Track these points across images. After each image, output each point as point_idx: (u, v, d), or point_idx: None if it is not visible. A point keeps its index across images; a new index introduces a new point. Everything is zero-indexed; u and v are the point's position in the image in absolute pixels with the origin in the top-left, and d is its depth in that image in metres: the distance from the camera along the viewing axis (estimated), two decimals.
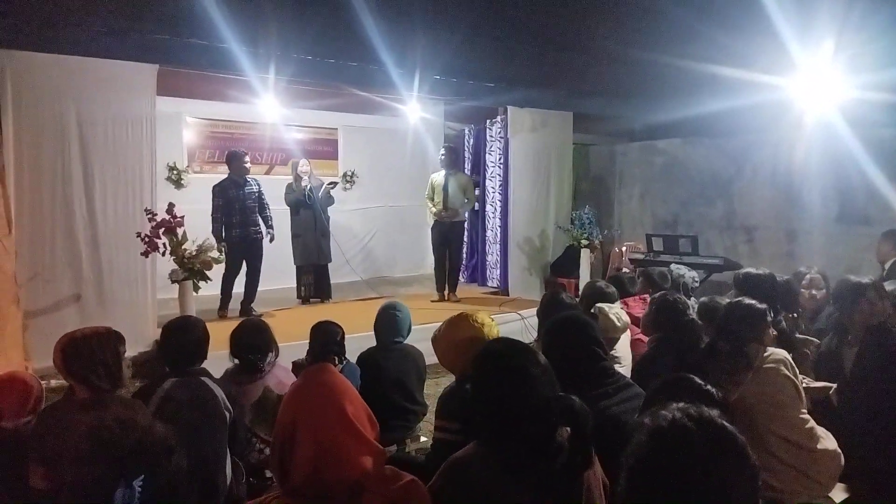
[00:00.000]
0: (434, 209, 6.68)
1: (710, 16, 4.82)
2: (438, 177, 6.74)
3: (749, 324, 2.51)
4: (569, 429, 1.50)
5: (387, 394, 3.20)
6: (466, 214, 7.24)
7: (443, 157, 6.74)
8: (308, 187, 6.50)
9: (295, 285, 6.74)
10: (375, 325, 3.43)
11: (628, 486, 1.06)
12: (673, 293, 3.14)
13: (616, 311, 3.25)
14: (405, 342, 3.41)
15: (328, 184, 6.71)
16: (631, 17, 5.40)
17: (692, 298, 4.20)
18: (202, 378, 2.50)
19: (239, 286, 5.93)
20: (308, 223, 6.57)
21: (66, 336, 2.23)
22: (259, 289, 6.05)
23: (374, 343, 3.43)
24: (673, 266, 4.62)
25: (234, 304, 5.89)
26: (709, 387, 1.70)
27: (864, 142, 5.74)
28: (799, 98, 5.56)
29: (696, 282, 4.46)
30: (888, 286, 3.48)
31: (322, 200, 6.60)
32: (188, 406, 2.33)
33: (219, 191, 5.77)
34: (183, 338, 2.61)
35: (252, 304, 5.97)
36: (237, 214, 5.77)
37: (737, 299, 2.79)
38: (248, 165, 5.96)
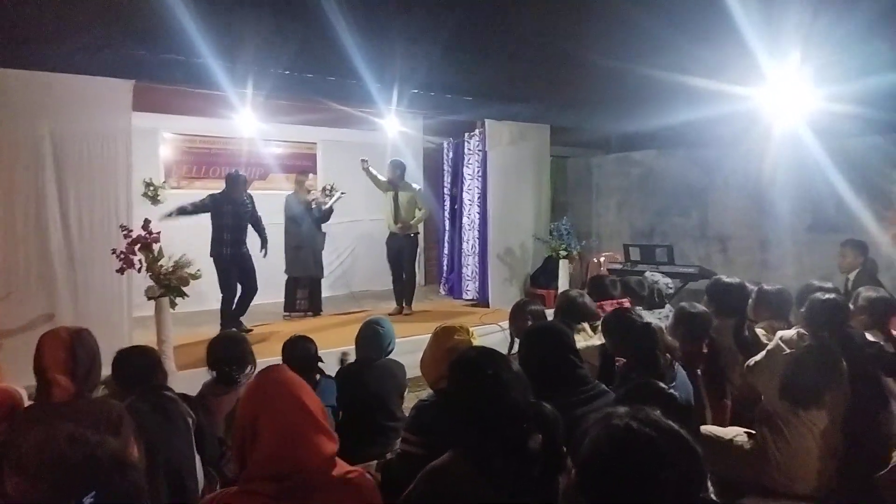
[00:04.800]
0: (388, 224, 6.82)
1: (683, 27, 4.93)
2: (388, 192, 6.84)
3: None
4: (541, 435, 1.53)
5: (367, 410, 3.20)
6: (447, 225, 7.25)
7: (393, 171, 6.81)
8: (314, 200, 6.66)
9: (283, 300, 6.75)
10: (357, 340, 3.42)
11: (579, 483, 1.13)
12: (623, 309, 3.19)
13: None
14: (388, 357, 3.43)
15: (341, 193, 6.99)
16: (606, 28, 5.51)
17: (667, 304, 4.29)
18: (163, 391, 2.55)
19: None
20: (310, 236, 6.64)
21: (62, 329, 2.23)
22: (256, 302, 6.02)
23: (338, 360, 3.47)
24: (647, 273, 4.69)
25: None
26: (672, 391, 1.76)
27: (832, 152, 5.90)
28: (768, 109, 5.70)
29: (671, 288, 4.55)
30: (865, 293, 3.57)
31: (321, 215, 6.73)
32: (150, 413, 2.37)
33: (210, 200, 5.76)
34: (132, 364, 2.62)
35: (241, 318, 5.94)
36: (228, 232, 5.74)
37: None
38: (243, 186, 5.93)
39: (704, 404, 3.16)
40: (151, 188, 7.01)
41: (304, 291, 6.78)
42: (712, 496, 1.45)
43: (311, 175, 6.89)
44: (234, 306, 5.84)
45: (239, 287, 5.85)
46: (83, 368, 2.17)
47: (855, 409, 2.74)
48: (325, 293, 7.39)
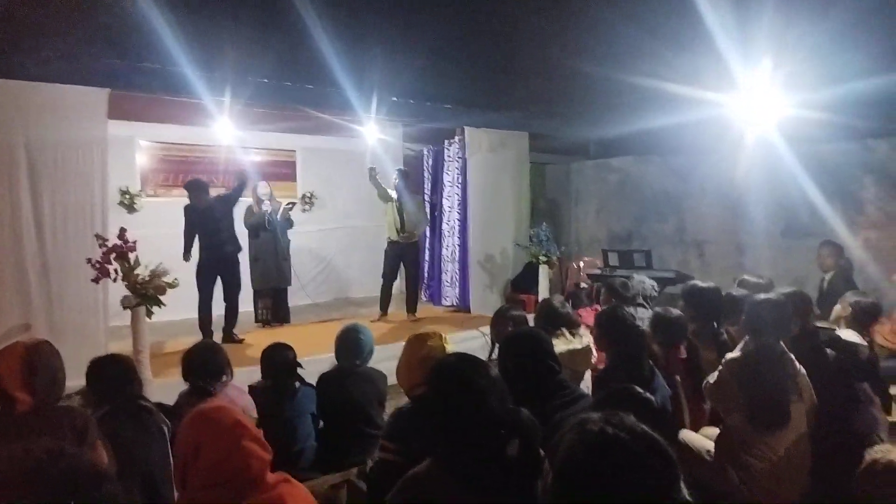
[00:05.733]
0: (391, 232, 6.72)
1: (659, 34, 5.00)
2: (394, 194, 6.79)
3: None
4: (519, 441, 1.54)
5: (348, 417, 3.19)
6: (427, 232, 7.26)
7: (395, 180, 6.80)
8: (269, 210, 6.47)
9: (252, 308, 6.66)
10: (336, 347, 3.42)
11: (555, 489, 1.15)
12: (620, 307, 3.23)
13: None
14: (367, 365, 3.42)
15: (286, 205, 6.70)
16: (585, 36, 5.56)
17: (650, 306, 4.34)
18: (138, 400, 2.55)
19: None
20: (268, 246, 6.54)
21: (19, 345, 2.20)
22: (219, 313, 5.94)
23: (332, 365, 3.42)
24: (634, 275, 4.76)
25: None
26: (648, 395, 1.79)
27: (805, 158, 6.02)
28: (741, 115, 5.79)
29: (656, 290, 4.60)
30: (852, 297, 3.65)
31: (282, 224, 6.58)
32: (126, 422, 2.38)
33: (186, 217, 5.74)
34: (107, 373, 2.60)
35: (234, 329, 5.90)
36: (207, 236, 5.70)
37: None
38: (204, 193, 5.79)
39: (683, 408, 3.20)
40: (127, 196, 6.93)
41: (266, 301, 6.67)
42: (686, 497, 1.48)
43: (263, 183, 6.66)
44: (209, 314, 5.78)
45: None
46: (42, 382, 2.15)
47: (824, 413, 2.79)
48: (304, 301, 7.35)
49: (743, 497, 2.61)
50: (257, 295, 6.65)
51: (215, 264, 5.74)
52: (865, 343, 3.42)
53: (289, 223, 6.69)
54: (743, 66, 5.04)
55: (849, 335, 3.40)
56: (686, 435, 3.01)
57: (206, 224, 5.73)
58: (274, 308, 6.69)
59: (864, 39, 4.66)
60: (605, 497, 1.07)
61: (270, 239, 6.54)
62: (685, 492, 1.38)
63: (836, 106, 5.26)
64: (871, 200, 5.94)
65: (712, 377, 2.81)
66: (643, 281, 4.54)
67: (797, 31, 4.57)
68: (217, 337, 5.63)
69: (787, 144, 5.94)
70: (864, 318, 3.56)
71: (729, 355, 2.80)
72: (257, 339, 5.71)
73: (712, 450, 2.84)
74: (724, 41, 4.68)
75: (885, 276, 5.18)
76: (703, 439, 2.96)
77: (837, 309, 3.74)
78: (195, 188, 5.74)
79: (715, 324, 3.57)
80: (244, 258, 6.22)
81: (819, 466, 2.70)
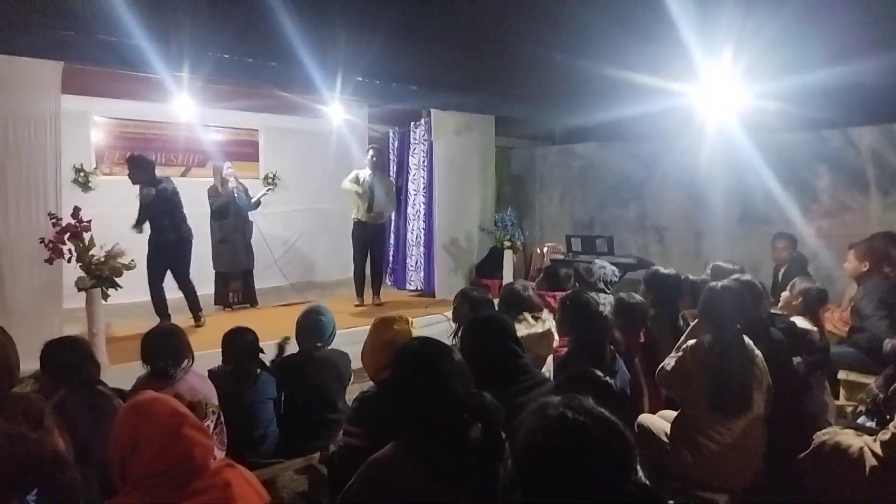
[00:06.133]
0: (359, 212, 6.65)
1: (624, 23, 5.03)
2: (365, 174, 6.69)
3: None
4: (481, 424, 1.56)
5: (308, 401, 3.18)
6: (393, 216, 7.22)
7: (373, 158, 6.70)
8: (235, 189, 6.36)
9: (213, 292, 6.56)
10: (297, 329, 3.39)
11: (516, 473, 1.18)
12: (584, 291, 3.28)
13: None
14: (329, 347, 3.40)
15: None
16: (550, 22, 5.57)
17: (610, 291, 4.42)
18: (96, 387, 2.51)
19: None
20: (237, 227, 6.47)
21: None
22: (178, 295, 5.77)
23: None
24: (596, 261, 4.83)
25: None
26: (608, 379, 1.82)
27: (762, 147, 6.17)
28: (702, 105, 5.91)
29: (617, 276, 4.68)
30: (801, 283, 3.78)
31: (245, 205, 6.48)
32: (82, 407, 2.34)
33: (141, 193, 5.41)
34: (62, 356, 2.54)
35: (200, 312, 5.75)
36: (165, 217, 5.42)
37: None
38: (148, 171, 5.42)
39: (642, 391, 3.28)
40: (82, 174, 6.70)
41: (235, 284, 6.60)
42: (643, 479, 1.52)
43: (227, 163, 6.54)
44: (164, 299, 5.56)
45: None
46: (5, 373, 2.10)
47: (778, 398, 2.88)
48: (269, 284, 7.28)
49: (696, 479, 2.69)
50: (227, 277, 6.55)
51: (157, 252, 5.48)
52: (816, 330, 3.56)
53: (254, 206, 6.62)
54: (705, 58, 5.13)
55: (801, 322, 3.52)
56: (644, 418, 3.09)
57: (149, 208, 5.45)
58: (243, 290, 6.62)
59: (818, 32, 4.78)
60: (565, 480, 1.09)
61: (239, 220, 6.47)
62: (641, 473, 1.42)
63: (792, 97, 5.41)
64: (824, 189, 6.12)
65: (668, 364, 2.84)
66: (604, 266, 4.61)
67: (754, 23, 4.67)
68: (178, 319, 5.48)
69: (746, 134, 6.08)
70: (814, 304, 3.69)
71: (690, 342, 2.83)
72: (220, 322, 5.63)
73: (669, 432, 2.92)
74: (688, 32, 4.75)
75: (836, 264, 5.35)
76: (661, 421, 3.04)
77: (786, 296, 3.86)
78: (131, 164, 5.43)
79: (674, 310, 3.65)
80: (204, 241, 6.09)
81: (771, 449, 2.79)
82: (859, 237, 4.76)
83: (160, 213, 5.45)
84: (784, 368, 3.03)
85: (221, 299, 6.59)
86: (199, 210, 6.30)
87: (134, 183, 5.42)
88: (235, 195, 6.37)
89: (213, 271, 6.60)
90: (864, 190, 5.88)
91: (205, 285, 6.52)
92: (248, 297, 6.68)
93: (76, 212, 4.47)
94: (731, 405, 2.61)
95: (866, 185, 5.87)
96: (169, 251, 5.52)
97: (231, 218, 6.43)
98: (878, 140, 5.79)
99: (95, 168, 6.82)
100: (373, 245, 6.77)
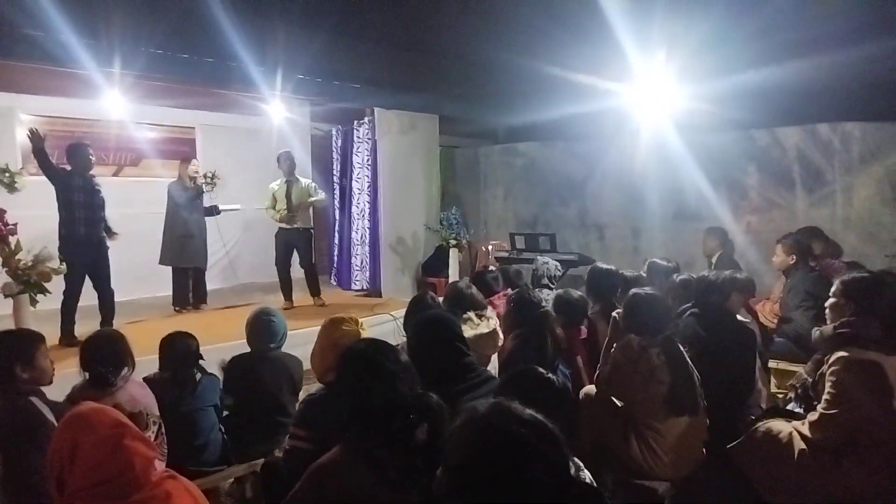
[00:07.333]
0: (278, 216, 6.54)
1: (563, 23, 5.14)
2: (278, 185, 6.56)
3: None
4: (427, 425, 1.57)
5: (257, 404, 3.11)
6: (337, 215, 7.07)
7: (286, 162, 6.57)
8: (203, 185, 6.40)
9: (161, 293, 6.45)
10: (248, 331, 3.32)
11: (450, 486, 1.16)
12: (528, 289, 3.34)
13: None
14: (281, 350, 3.34)
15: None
16: (492, 21, 5.63)
17: (554, 287, 4.51)
18: (27, 396, 2.39)
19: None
20: (201, 224, 6.39)
21: None
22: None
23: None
24: (538, 257, 4.92)
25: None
26: (550, 376, 1.86)
27: (694, 146, 6.41)
28: (638, 105, 6.09)
29: (559, 270, 4.77)
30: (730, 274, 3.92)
31: (211, 206, 6.56)
32: (7, 419, 2.27)
33: (63, 173, 5.09)
34: None
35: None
36: (82, 209, 5.08)
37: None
38: (92, 159, 5.24)
39: (584, 386, 3.35)
40: (7, 175, 6.32)
41: (191, 282, 6.51)
42: (583, 474, 1.56)
43: (194, 161, 6.53)
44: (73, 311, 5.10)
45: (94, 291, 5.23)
46: None
47: (722, 389, 2.99)
48: (210, 286, 7.08)
49: (637, 468, 2.77)
50: (184, 275, 6.40)
51: (93, 245, 5.18)
52: (750, 321, 3.71)
53: (214, 211, 6.67)
54: (640, 59, 5.29)
55: (740, 316, 3.67)
56: (590, 389, 3.11)
57: (87, 196, 5.14)
58: (195, 288, 6.52)
59: (742, 36, 5.00)
60: (501, 491, 1.09)
61: (202, 217, 6.43)
62: (576, 469, 1.44)
63: (721, 98, 5.64)
64: (753, 187, 6.41)
65: (605, 370, 2.91)
66: (547, 263, 4.70)
67: (684, 25, 4.83)
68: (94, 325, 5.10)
69: (679, 134, 6.31)
70: (744, 293, 3.85)
71: (617, 344, 2.89)
72: (157, 326, 5.44)
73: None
74: (623, 34, 4.88)
75: (764, 259, 5.60)
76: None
77: None
78: (80, 152, 5.16)
79: (609, 305, 3.75)
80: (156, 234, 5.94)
81: (713, 439, 2.88)
82: (786, 232, 5.00)
83: (97, 202, 5.20)
84: (748, 359, 3.15)
85: (181, 300, 6.40)
86: (131, 211, 6.16)
87: (85, 172, 5.16)
88: (204, 191, 6.42)
89: (161, 270, 6.41)
90: (790, 188, 6.19)
91: (150, 288, 6.47)
92: (200, 295, 6.58)
93: (1, 214, 4.26)
94: (685, 407, 2.71)
95: (792, 182, 6.17)
96: (100, 248, 5.25)
97: (195, 214, 6.36)
98: (802, 140, 6.09)
99: (22, 168, 6.47)
100: (297, 247, 6.66)
